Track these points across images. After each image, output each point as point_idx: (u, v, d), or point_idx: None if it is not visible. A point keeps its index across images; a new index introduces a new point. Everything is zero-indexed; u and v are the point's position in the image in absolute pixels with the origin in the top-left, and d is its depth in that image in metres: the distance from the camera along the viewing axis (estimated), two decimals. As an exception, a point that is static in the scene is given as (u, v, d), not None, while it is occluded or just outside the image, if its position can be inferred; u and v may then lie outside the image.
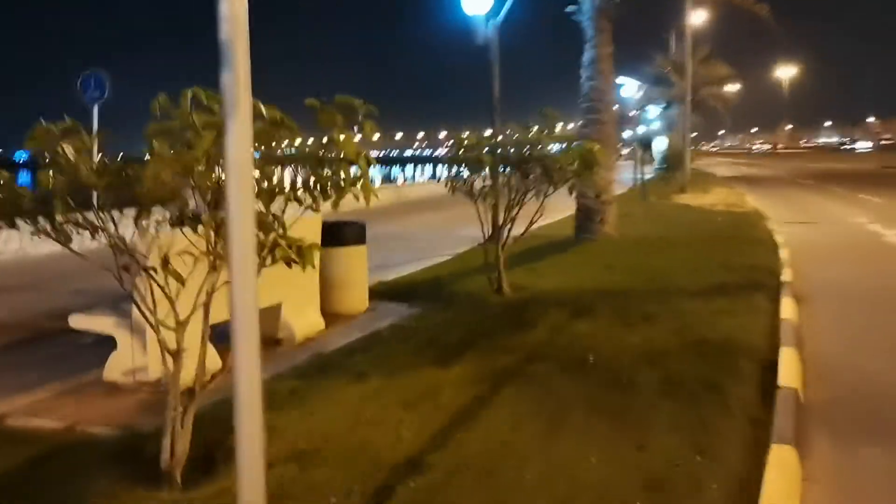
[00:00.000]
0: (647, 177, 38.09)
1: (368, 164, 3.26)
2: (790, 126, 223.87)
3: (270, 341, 6.28)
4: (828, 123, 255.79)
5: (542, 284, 8.58)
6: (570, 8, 13.37)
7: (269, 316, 6.26)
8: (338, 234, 7.63)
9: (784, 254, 11.26)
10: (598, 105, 12.92)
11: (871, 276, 10.01)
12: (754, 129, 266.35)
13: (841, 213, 19.27)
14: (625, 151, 42.76)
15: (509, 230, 8.37)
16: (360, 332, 6.77)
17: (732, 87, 45.37)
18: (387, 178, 68.36)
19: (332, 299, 7.57)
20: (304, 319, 6.62)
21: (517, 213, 8.34)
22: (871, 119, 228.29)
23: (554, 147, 8.35)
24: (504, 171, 8.19)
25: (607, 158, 12.68)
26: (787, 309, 7.35)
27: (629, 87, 38.12)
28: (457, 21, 13.40)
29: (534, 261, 10.37)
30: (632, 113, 68.36)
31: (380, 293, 8.58)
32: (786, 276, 9.27)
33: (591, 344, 5.89)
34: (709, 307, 7.28)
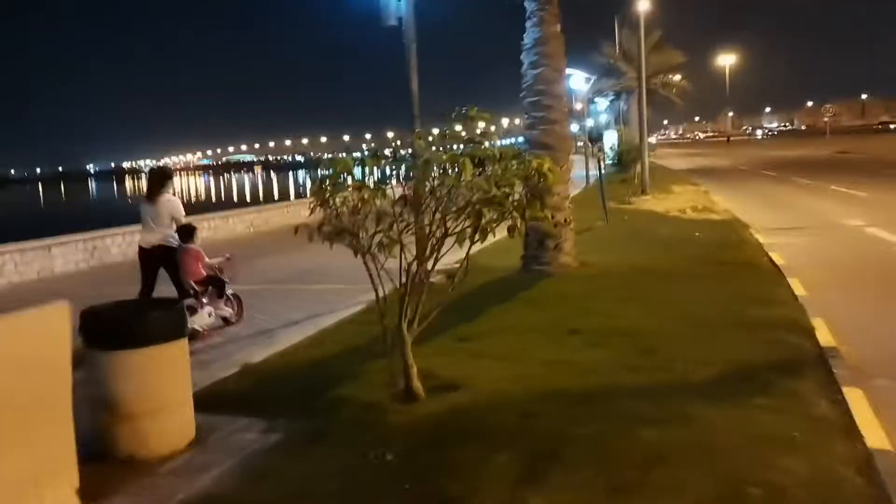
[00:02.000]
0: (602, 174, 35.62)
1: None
2: (731, 113, 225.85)
3: None
4: (768, 109, 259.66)
5: (474, 376, 5.61)
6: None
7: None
8: (124, 326, 4.59)
9: (797, 287, 8.53)
10: (545, 99, 10.04)
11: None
12: (697, 118, 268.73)
13: (828, 214, 16.81)
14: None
15: (421, 294, 5.40)
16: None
17: (680, 76, 43.21)
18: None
19: (122, 436, 4.54)
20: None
21: (433, 266, 5.39)
22: (809, 103, 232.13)
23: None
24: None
25: (561, 168, 9.81)
26: (864, 417, 4.54)
27: (577, 79, 35.45)
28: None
29: (466, 319, 7.42)
30: (579, 106, 66.25)
31: (229, 397, 5.63)
32: (823, 335, 6.48)
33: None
34: (746, 425, 4.41)
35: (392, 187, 5.30)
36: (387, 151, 6.33)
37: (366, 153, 5.55)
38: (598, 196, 15.52)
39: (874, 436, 4.21)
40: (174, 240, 7.99)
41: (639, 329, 6.74)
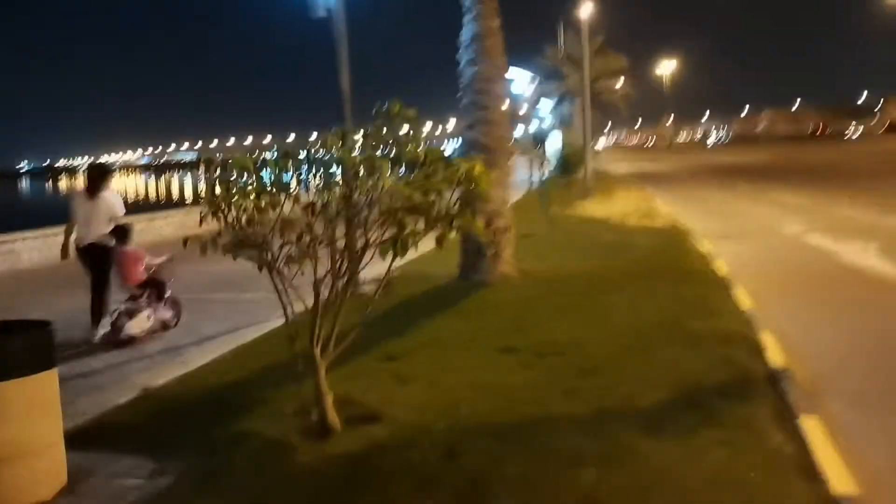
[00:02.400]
0: (545, 177, 35.42)
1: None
2: (671, 119, 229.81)
3: None
4: (706, 116, 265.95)
5: (398, 403, 5.02)
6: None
7: None
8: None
9: (743, 298, 8.20)
10: (484, 99, 9.53)
11: (874, 331, 7.01)
12: (639, 123, 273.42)
13: (766, 220, 16.75)
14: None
15: (338, 313, 4.78)
16: None
17: (623, 80, 43.45)
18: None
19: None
20: None
21: (348, 280, 4.78)
22: (746, 109, 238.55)
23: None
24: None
25: (501, 172, 9.34)
26: (824, 452, 4.10)
27: (520, 81, 35.24)
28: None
29: (396, 333, 6.84)
30: (522, 111, 66.20)
31: (120, 430, 4.98)
32: (772, 352, 6.10)
33: None
34: (695, 463, 3.93)
35: (306, 192, 4.70)
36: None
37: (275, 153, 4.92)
38: (541, 201, 15.11)
39: (837, 475, 3.77)
40: (110, 239, 7.59)
41: (577, 345, 6.25)
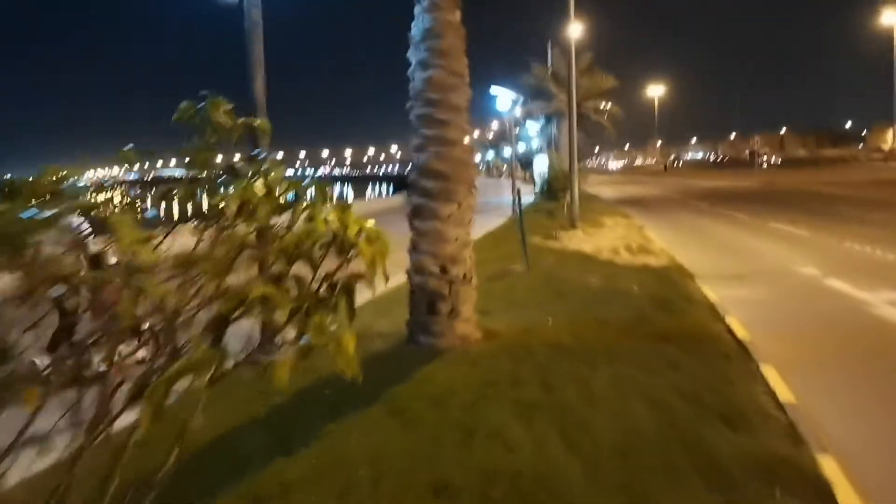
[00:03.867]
0: (526, 201, 33.32)
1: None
2: (660, 143, 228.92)
3: None
4: (694, 140, 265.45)
5: None
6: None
7: None
8: None
9: (778, 385, 6.10)
10: (440, 112, 7.42)
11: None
12: (627, 146, 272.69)
13: (774, 257, 14.73)
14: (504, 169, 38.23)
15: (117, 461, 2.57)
16: None
17: (611, 101, 41.61)
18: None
19: None
20: None
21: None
22: (733, 135, 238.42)
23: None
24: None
25: (460, 205, 7.29)
26: None
27: (503, 100, 33.18)
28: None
29: (281, 449, 4.68)
30: (515, 130, 64.19)
31: None
32: (845, 498, 3.98)
33: None
34: None
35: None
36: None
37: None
38: (521, 231, 12.97)
39: None
40: None
41: (543, 481, 4.10)
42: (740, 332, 7.98)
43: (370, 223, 2.66)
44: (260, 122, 2.68)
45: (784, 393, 5.86)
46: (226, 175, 2.72)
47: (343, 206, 2.83)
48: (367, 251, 2.57)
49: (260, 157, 2.81)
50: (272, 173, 2.68)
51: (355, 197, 66.42)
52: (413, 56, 7.46)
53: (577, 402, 5.54)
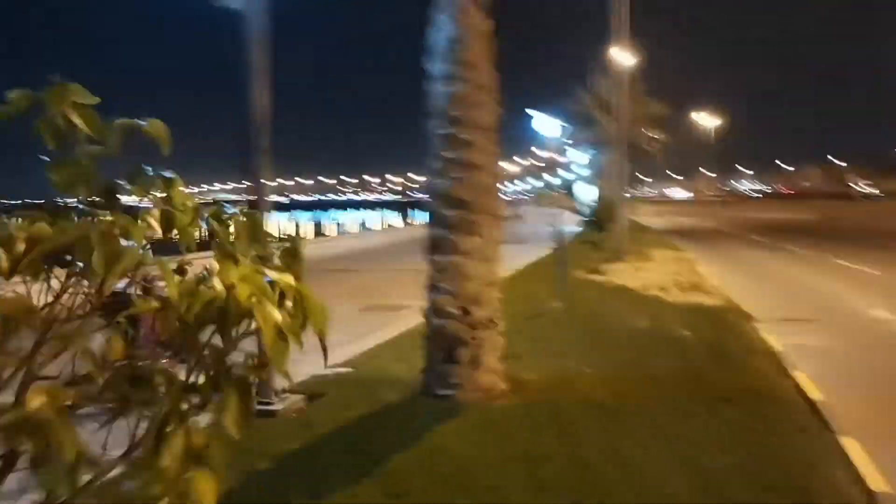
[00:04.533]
0: (571, 231, 32.20)
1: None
2: (712, 174, 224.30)
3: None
4: (748, 171, 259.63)
5: None
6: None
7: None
8: None
9: (858, 459, 4.96)
10: (463, 131, 6.49)
11: None
12: (672, 175, 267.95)
13: (838, 298, 13.38)
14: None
15: None
16: None
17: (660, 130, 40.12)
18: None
19: None
20: None
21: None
22: (782, 164, 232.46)
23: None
24: None
25: (484, 238, 6.38)
26: None
27: (544, 124, 32.05)
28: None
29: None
30: (564, 158, 63.10)
31: None
32: None
33: None
34: None
35: None
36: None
37: None
38: (560, 266, 11.92)
39: None
40: None
41: None
42: (812, 391, 6.82)
43: (290, 280, 1.76)
44: (151, 123, 1.78)
45: (874, 478, 4.72)
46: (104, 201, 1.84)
47: (291, 247, 1.94)
48: (268, 323, 1.66)
49: (150, 175, 1.89)
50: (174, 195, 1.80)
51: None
52: (433, 67, 6.58)
53: (616, 486, 4.48)
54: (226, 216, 1.82)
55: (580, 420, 5.75)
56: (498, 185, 6.73)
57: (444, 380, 6.54)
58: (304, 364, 8.47)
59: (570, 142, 45.59)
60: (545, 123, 30.35)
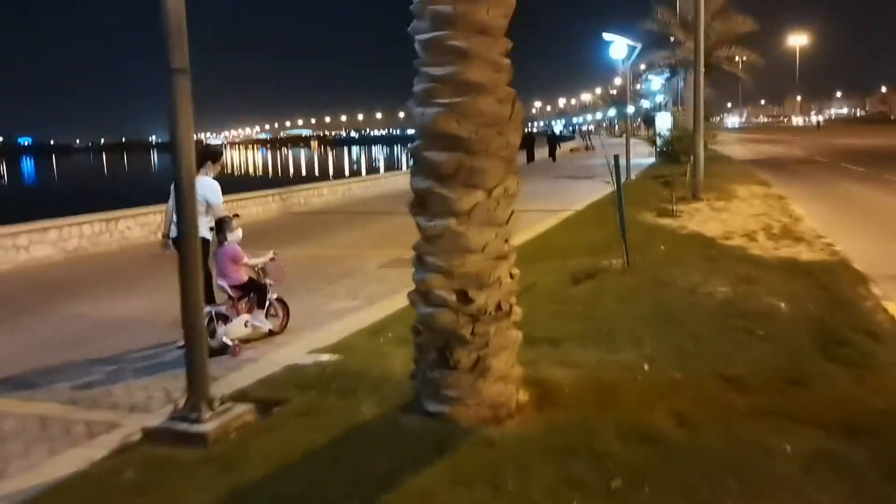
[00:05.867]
0: (643, 163, 29.28)
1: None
2: (800, 98, 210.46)
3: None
4: (839, 94, 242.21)
5: None
6: None
7: None
8: None
9: None
10: (453, 36, 4.40)
11: None
12: (763, 102, 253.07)
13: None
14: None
15: None
16: None
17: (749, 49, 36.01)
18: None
19: None
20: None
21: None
22: (883, 89, 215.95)
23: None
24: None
25: (491, 194, 4.35)
26: None
27: (626, 51, 28.96)
28: None
29: None
30: (636, 85, 59.44)
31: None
32: None
33: None
34: None
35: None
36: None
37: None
38: (619, 213, 9.66)
39: None
40: (207, 231, 6.94)
41: None
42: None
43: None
44: None
45: None
46: None
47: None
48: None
49: None
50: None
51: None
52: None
53: None
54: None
55: (628, 467, 3.78)
56: (516, 115, 4.63)
57: (436, 391, 4.65)
58: (291, 347, 6.69)
59: (647, 67, 42.14)
60: (623, 49, 27.28)
